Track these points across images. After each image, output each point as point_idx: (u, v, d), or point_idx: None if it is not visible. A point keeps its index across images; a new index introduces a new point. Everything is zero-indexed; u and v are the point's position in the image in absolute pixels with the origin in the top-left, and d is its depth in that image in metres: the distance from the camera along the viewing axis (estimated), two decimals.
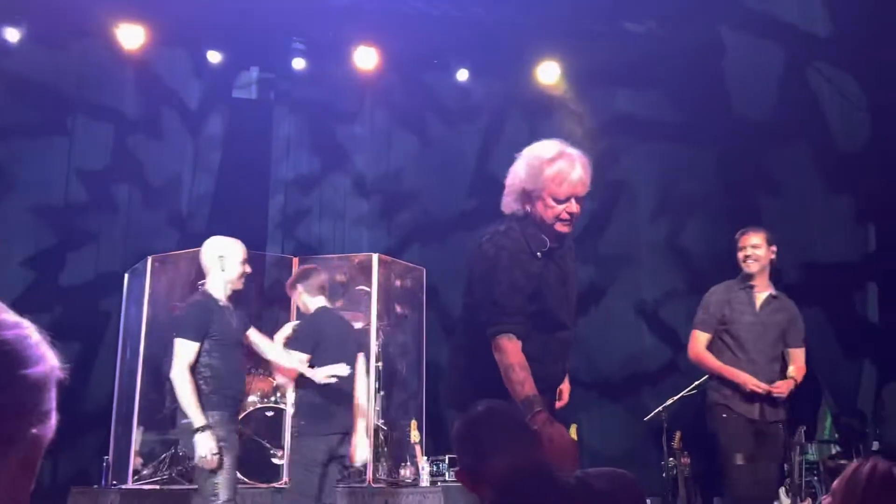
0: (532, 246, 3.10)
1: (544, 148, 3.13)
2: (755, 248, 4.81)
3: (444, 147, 8.78)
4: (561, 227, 3.08)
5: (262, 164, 8.56)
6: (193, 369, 4.11)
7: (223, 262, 4.28)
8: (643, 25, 8.09)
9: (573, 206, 3.06)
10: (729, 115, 7.84)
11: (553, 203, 3.04)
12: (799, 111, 7.26)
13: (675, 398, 5.98)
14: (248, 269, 4.36)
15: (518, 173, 3.14)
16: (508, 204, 3.19)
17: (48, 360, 0.92)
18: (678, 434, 6.56)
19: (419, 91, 8.74)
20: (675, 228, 8.59)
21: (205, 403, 4.05)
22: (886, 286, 6.99)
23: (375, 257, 6.59)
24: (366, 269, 6.64)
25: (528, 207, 3.11)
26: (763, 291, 4.87)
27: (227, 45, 8.15)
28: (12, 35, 7.46)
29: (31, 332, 0.89)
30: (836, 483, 2.23)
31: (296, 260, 6.83)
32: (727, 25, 7.69)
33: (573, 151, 3.10)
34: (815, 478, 6.42)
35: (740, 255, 4.87)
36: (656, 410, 6.05)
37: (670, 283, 8.53)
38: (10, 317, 0.88)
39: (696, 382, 5.84)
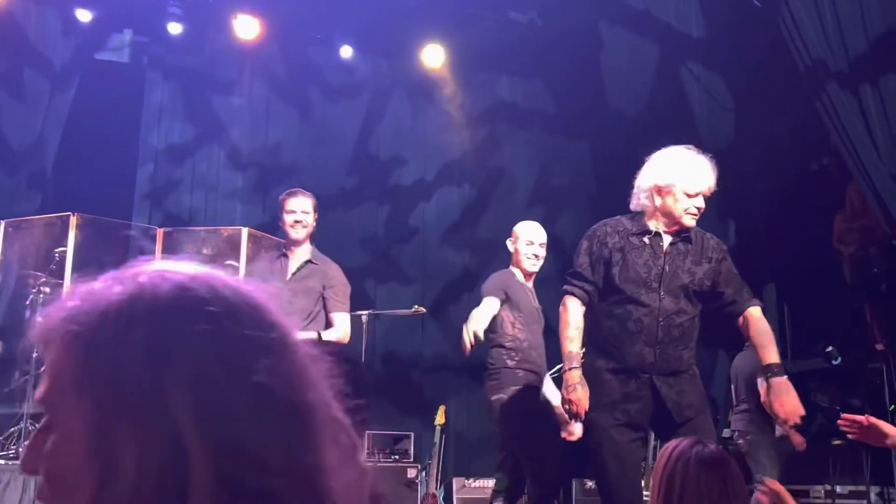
0: (633, 228, 3.57)
1: (681, 150, 3.56)
2: (305, 214, 4.83)
3: (324, 123, 8.66)
4: (688, 221, 3.50)
5: (132, 131, 8.21)
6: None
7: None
8: (526, 15, 8.19)
9: (700, 203, 3.50)
10: (604, 107, 8.04)
11: (683, 198, 3.47)
12: (669, 108, 7.51)
13: (548, 380, 6.09)
14: None
15: (653, 171, 3.57)
16: (637, 201, 3.63)
17: None
18: None
19: (301, 65, 8.58)
20: (550, 217, 8.76)
21: None
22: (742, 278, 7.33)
23: (245, 231, 6.45)
24: (234, 244, 6.48)
25: (657, 202, 3.53)
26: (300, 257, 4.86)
27: (99, 3, 7.77)
28: None
29: None
30: (657, 461, 2.32)
31: (160, 231, 6.60)
32: (607, 20, 7.87)
33: (704, 156, 3.53)
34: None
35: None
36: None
37: (542, 271, 8.67)
38: None
39: (558, 366, 5.97)
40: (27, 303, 6.20)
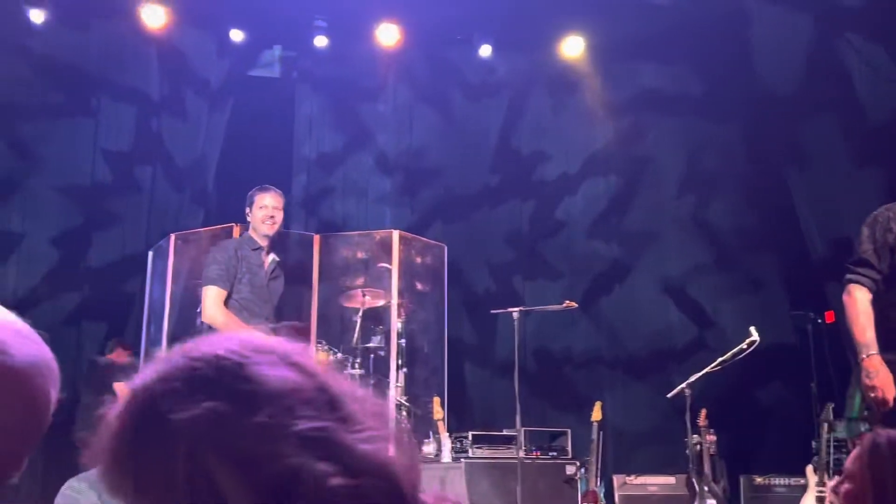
0: None
1: None
2: (277, 210, 5.13)
3: (467, 123, 8.73)
4: None
5: (285, 143, 8.56)
6: None
7: None
8: None
9: None
10: (756, 88, 7.70)
11: None
12: (827, 83, 7.10)
13: (700, 374, 5.91)
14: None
15: None
16: None
17: None
18: (703, 411, 6.50)
19: (442, 67, 8.69)
20: (701, 203, 8.48)
21: None
22: None
23: (396, 234, 6.58)
24: (386, 246, 6.63)
25: None
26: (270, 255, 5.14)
27: (250, 23, 8.15)
28: (37, 16, 7.52)
29: None
30: (851, 463, 2.10)
31: (317, 237, 6.84)
32: None
33: None
34: (844, 455, 6.33)
35: None
36: (680, 387, 5.98)
37: (697, 259, 8.43)
38: None
39: (721, 358, 5.78)
40: (198, 310, 6.57)
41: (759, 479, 6.85)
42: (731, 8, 7.68)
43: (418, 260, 7.15)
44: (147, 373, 0.85)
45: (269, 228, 5.09)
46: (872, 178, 7.08)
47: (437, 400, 6.62)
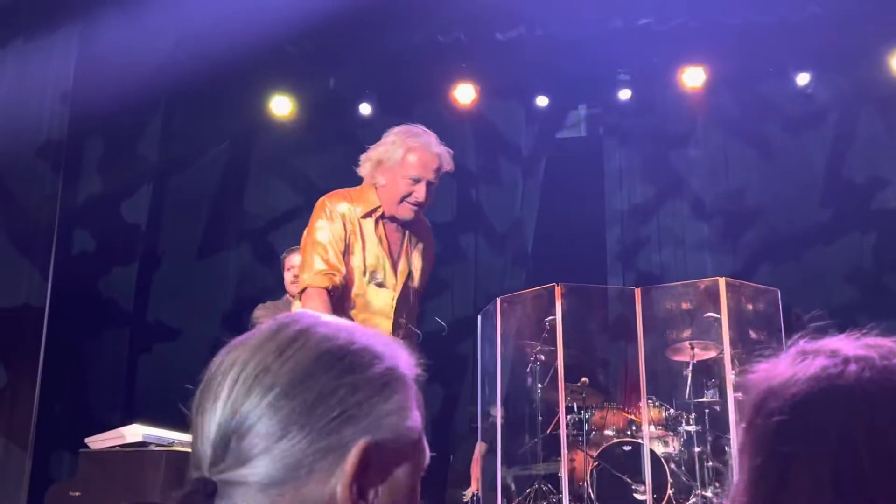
0: None
1: None
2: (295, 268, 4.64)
3: (786, 157, 8.20)
4: None
5: (597, 199, 8.61)
6: None
7: None
8: None
9: None
10: None
11: None
12: None
13: None
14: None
15: None
16: None
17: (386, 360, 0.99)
18: None
19: (754, 102, 8.28)
20: None
21: None
22: None
23: (722, 281, 6.29)
24: (712, 295, 6.35)
25: None
26: None
27: (554, 87, 8.39)
28: (365, 109, 8.35)
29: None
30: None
31: (638, 291, 6.75)
32: None
33: None
34: None
35: None
36: None
37: None
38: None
39: None
40: (527, 370, 6.75)
41: None
42: None
43: (749, 307, 6.76)
44: None
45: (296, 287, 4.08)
46: None
47: None
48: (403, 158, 3.62)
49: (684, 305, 6.76)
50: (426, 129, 3.75)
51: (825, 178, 8.10)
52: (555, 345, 6.33)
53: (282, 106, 8.34)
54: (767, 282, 7.34)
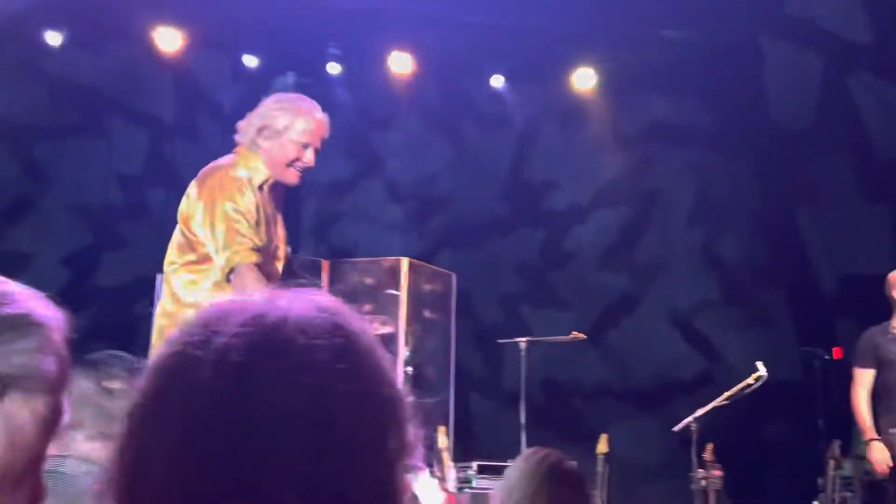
0: None
1: None
2: None
3: (477, 152, 8.77)
4: None
5: None
6: None
7: None
8: (682, 32, 8.00)
9: None
10: (767, 123, 7.72)
11: None
12: (838, 121, 7.13)
13: (707, 408, 5.88)
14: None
15: None
16: None
17: None
18: (710, 446, 6.45)
19: (454, 96, 8.74)
20: (711, 237, 8.48)
21: None
22: None
23: (405, 261, 6.59)
24: (395, 273, 6.64)
25: None
26: None
27: (264, 49, 8.23)
28: (54, 38, 7.60)
29: None
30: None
31: (326, 263, 6.86)
32: (767, 33, 7.58)
33: None
34: (850, 493, 6.27)
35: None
36: (686, 421, 5.94)
37: (705, 292, 8.42)
38: None
39: (728, 393, 5.75)
40: None
41: None
42: (742, 43, 7.73)
43: (427, 288, 7.15)
44: None
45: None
46: (883, 215, 7.09)
47: (442, 429, 6.60)
48: (292, 123, 3.53)
49: (368, 281, 6.98)
50: (303, 96, 3.69)
51: (507, 176, 8.77)
52: None
53: None
54: (448, 266, 7.83)
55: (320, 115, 3.62)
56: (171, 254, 3.46)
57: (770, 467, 7.71)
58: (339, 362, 0.75)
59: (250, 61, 8.22)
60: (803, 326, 7.94)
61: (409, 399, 0.82)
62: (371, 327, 0.84)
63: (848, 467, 6.46)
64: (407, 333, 6.55)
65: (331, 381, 0.74)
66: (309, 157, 3.59)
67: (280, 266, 3.61)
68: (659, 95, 8.62)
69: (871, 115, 7.12)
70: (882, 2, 6.71)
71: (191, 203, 3.44)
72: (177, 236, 3.48)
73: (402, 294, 6.38)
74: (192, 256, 3.37)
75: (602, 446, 6.71)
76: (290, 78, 8.82)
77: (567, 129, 8.80)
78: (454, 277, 7.37)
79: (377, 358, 0.80)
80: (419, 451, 0.82)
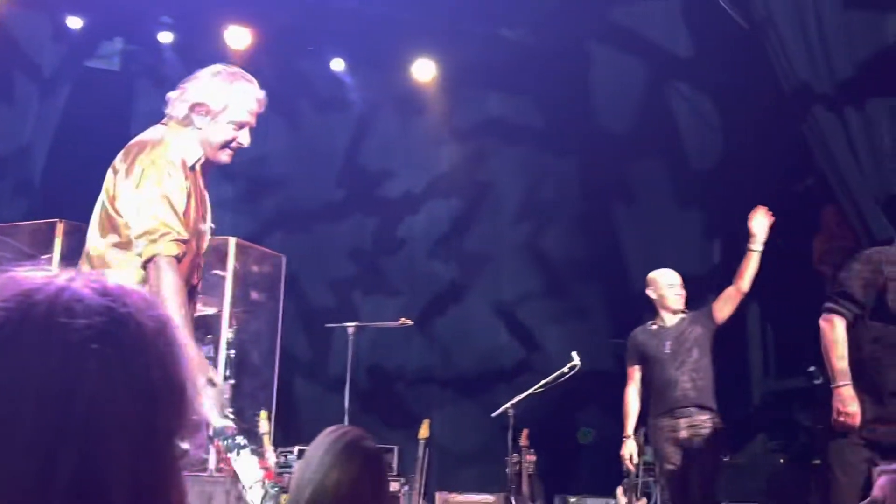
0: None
1: None
2: None
3: (313, 135, 8.69)
4: None
5: (122, 140, 8.16)
6: None
7: None
8: (517, 31, 8.24)
9: None
10: (591, 125, 8.10)
11: None
12: (657, 126, 7.58)
13: (523, 395, 6.12)
14: None
15: None
16: None
17: None
18: (525, 431, 6.71)
19: (291, 76, 8.60)
20: (536, 231, 8.81)
21: None
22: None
23: (233, 241, 6.44)
24: (222, 254, 6.47)
25: None
26: None
27: (89, 11, 7.77)
28: None
29: None
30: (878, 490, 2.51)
31: None
32: (595, 38, 7.94)
33: None
34: (651, 478, 6.70)
35: None
36: (504, 407, 6.17)
37: (528, 285, 8.73)
38: None
39: (543, 381, 6.01)
40: None
41: (572, 500, 7.16)
42: (572, 47, 8.06)
43: (255, 269, 7.02)
44: None
45: None
46: (692, 220, 7.60)
47: (263, 414, 6.51)
48: (231, 103, 3.21)
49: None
50: (242, 70, 3.32)
51: (343, 161, 8.74)
52: None
53: None
54: (278, 248, 7.71)
55: (261, 95, 3.39)
56: (93, 233, 3.15)
57: (580, 452, 8.11)
58: (95, 343, 0.74)
59: (74, 23, 7.75)
60: (616, 319, 8.40)
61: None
62: (163, 314, 0.82)
63: (650, 454, 6.91)
64: (231, 315, 6.41)
65: (81, 361, 0.74)
66: (245, 138, 3.37)
67: (205, 244, 3.39)
68: (494, 92, 8.85)
69: (687, 125, 7.61)
70: (702, 19, 7.18)
71: (118, 180, 3.16)
72: (100, 213, 3.18)
73: (228, 275, 6.23)
74: (115, 238, 3.10)
75: (423, 431, 6.84)
76: (118, 44, 8.40)
77: (405, 119, 8.87)
78: (283, 260, 7.27)
79: (150, 342, 0.79)
80: (200, 435, 0.82)
